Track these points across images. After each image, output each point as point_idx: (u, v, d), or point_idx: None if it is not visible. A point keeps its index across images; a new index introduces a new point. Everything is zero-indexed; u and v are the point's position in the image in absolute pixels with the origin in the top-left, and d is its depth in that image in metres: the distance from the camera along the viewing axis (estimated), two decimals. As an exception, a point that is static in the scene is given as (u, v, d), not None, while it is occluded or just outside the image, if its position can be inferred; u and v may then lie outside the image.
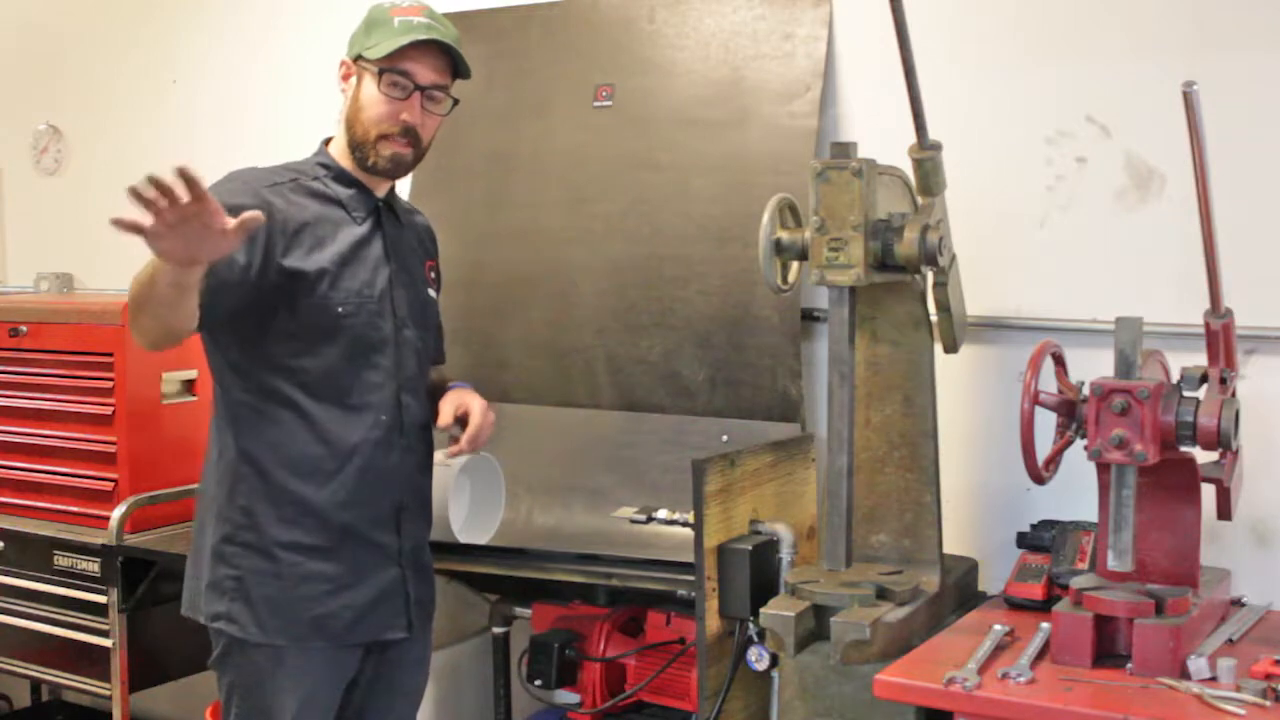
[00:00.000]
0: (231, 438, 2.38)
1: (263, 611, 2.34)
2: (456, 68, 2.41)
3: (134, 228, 1.82)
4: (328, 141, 2.47)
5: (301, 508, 2.35)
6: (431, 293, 2.57)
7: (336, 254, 2.36)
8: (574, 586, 2.88)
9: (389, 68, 2.34)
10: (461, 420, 2.46)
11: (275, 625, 2.34)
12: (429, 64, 2.36)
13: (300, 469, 2.35)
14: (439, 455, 2.53)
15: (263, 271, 2.25)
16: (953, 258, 2.41)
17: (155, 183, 1.80)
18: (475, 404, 2.48)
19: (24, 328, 3.57)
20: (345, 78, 2.41)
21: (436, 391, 2.55)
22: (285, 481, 2.35)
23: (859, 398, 2.41)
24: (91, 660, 3.32)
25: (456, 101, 2.44)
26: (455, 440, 2.46)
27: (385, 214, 2.47)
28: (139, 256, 2.14)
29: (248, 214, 1.91)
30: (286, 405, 2.34)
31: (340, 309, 2.34)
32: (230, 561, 2.36)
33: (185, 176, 1.81)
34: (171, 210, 1.82)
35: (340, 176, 2.42)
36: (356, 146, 2.39)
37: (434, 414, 2.51)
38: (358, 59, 2.38)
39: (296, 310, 2.31)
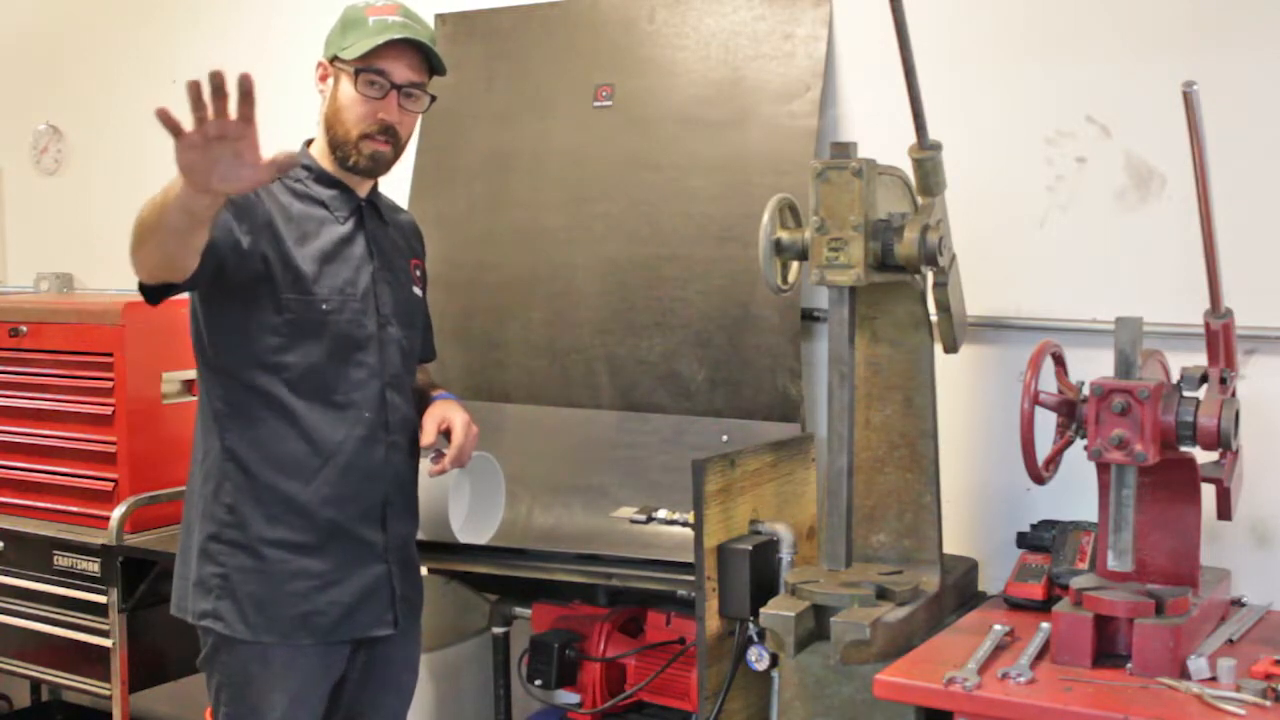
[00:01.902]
0: (216, 437, 2.39)
1: (249, 609, 2.35)
2: (432, 65, 2.42)
3: (175, 127, 1.80)
4: (309, 143, 2.48)
5: (287, 505, 2.36)
6: (417, 291, 2.58)
7: (319, 251, 2.37)
8: (574, 586, 2.88)
9: (365, 67, 2.35)
10: (445, 435, 2.47)
11: (262, 623, 2.35)
12: (405, 62, 2.38)
13: (285, 466, 2.36)
14: (423, 464, 2.53)
15: (252, 247, 2.26)
16: (953, 258, 2.41)
17: (214, 81, 1.77)
18: (458, 420, 2.48)
19: (24, 328, 3.57)
20: (322, 79, 2.43)
21: (422, 396, 2.56)
22: (270, 479, 2.35)
23: (859, 398, 2.41)
24: (91, 660, 3.32)
25: (434, 99, 2.45)
26: (440, 456, 2.46)
27: (368, 213, 2.48)
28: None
29: (282, 152, 1.89)
30: (271, 403, 2.35)
31: (324, 305, 2.35)
32: (216, 559, 2.37)
33: (244, 89, 1.79)
34: (215, 123, 1.80)
35: (321, 177, 2.43)
36: (337, 146, 2.40)
37: (419, 417, 2.51)
38: (334, 60, 2.39)
39: (280, 306, 2.33)
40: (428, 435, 2.47)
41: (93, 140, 4.28)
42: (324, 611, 2.38)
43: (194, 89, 1.77)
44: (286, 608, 2.36)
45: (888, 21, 2.17)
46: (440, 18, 3.33)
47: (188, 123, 1.81)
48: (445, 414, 2.49)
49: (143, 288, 2.23)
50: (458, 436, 2.46)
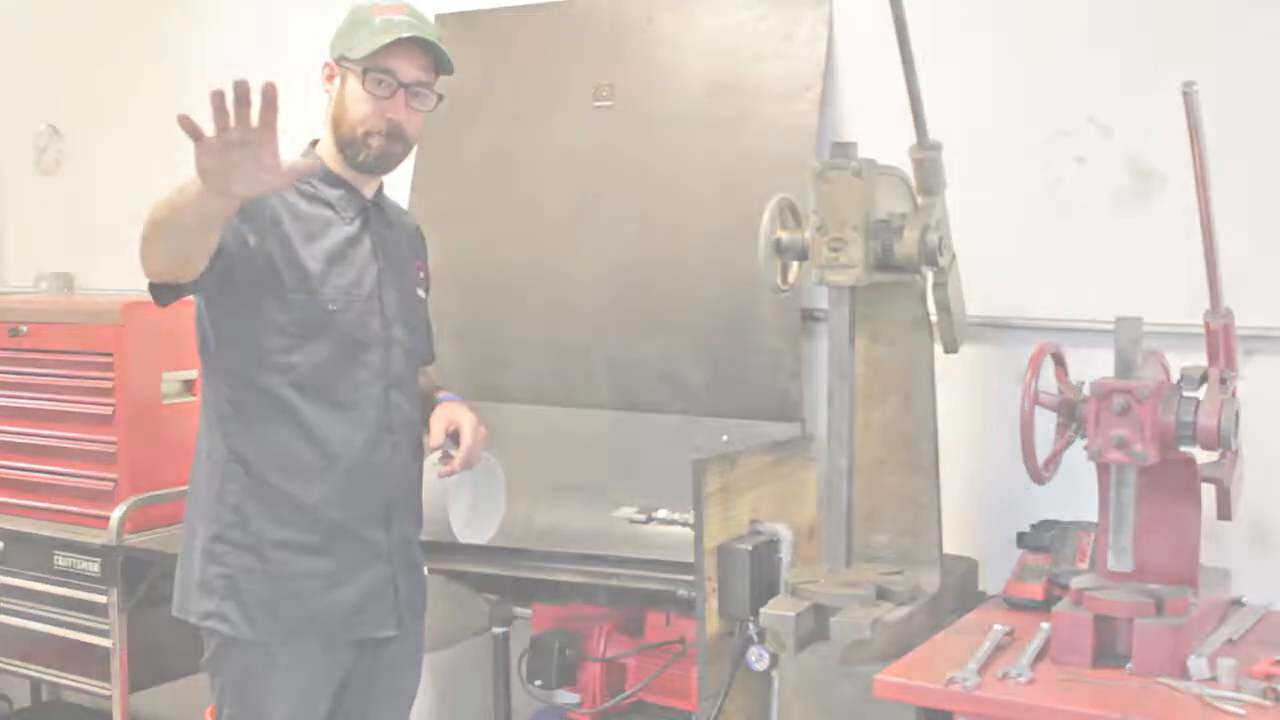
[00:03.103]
0: (220, 437, 2.39)
1: (253, 610, 2.34)
2: (439, 64, 2.42)
3: (195, 132, 1.80)
4: (314, 144, 2.48)
5: (291, 506, 2.36)
6: (420, 293, 2.58)
7: (326, 250, 2.37)
8: (574, 586, 2.87)
9: (372, 66, 2.34)
10: (453, 437, 2.47)
11: (266, 623, 2.35)
12: (412, 61, 2.37)
13: (289, 467, 2.35)
14: (428, 464, 2.53)
15: (259, 246, 2.26)
16: (953, 258, 2.41)
17: (238, 90, 1.77)
18: (466, 421, 2.47)
19: (24, 328, 3.57)
20: (329, 79, 2.42)
21: (426, 400, 2.56)
22: (274, 480, 2.35)
23: (859, 398, 2.41)
24: (91, 660, 3.32)
25: (441, 97, 2.45)
26: (448, 457, 2.46)
27: (374, 214, 2.48)
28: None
29: (302, 159, 1.89)
30: (276, 404, 2.35)
31: (330, 305, 2.35)
32: (220, 560, 2.37)
33: (268, 97, 1.80)
34: (235, 129, 1.81)
35: (328, 178, 2.43)
36: (345, 145, 2.39)
37: (424, 419, 2.51)
38: (340, 59, 2.39)
39: (286, 306, 2.32)
40: (436, 436, 2.46)
41: (93, 140, 4.28)
42: (328, 612, 2.37)
43: (217, 98, 1.77)
44: (291, 609, 2.35)
45: (888, 21, 2.17)
46: (440, 18, 3.33)
47: (208, 127, 1.81)
48: (453, 415, 2.49)
49: (152, 288, 2.22)
50: (466, 438, 2.45)
